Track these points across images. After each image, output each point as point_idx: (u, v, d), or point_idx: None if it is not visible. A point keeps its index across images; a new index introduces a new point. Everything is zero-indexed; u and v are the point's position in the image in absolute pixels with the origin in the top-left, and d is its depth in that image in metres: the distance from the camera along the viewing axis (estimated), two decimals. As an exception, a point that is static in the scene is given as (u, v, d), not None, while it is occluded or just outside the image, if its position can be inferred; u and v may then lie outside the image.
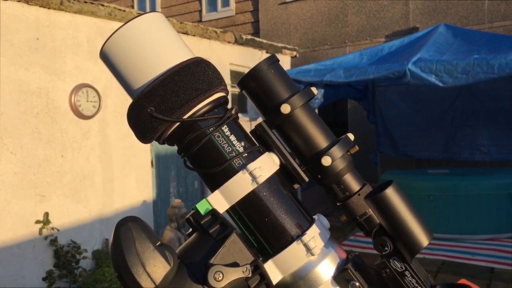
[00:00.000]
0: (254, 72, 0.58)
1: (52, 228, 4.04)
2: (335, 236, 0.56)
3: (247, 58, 6.51)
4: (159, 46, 0.53)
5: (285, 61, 7.41)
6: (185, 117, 0.52)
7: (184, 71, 0.52)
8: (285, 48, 7.43)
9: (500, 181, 5.50)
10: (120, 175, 4.72)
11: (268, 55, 6.97)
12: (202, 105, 0.52)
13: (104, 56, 0.54)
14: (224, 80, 0.56)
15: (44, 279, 3.96)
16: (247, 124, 5.96)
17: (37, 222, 3.96)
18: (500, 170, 6.18)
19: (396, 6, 7.63)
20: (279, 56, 7.02)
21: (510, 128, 6.24)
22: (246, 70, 6.56)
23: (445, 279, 4.08)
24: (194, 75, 0.52)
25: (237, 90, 6.03)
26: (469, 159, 6.71)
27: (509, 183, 5.44)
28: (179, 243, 3.89)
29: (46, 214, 4.02)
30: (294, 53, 7.67)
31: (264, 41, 7.03)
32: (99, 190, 4.50)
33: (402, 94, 7.00)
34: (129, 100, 0.53)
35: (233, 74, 6.36)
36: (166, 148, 5.12)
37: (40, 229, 3.97)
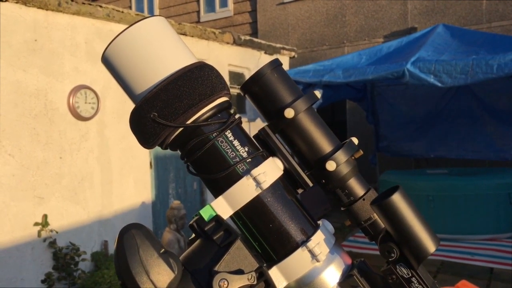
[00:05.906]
0: (257, 76, 0.57)
1: (51, 230, 4.03)
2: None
3: (246, 59, 6.51)
4: (162, 50, 0.53)
5: (283, 62, 7.41)
6: (189, 122, 0.51)
7: (187, 76, 0.51)
8: (283, 48, 7.43)
9: (499, 181, 5.51)
10: (118, 176, 4.70)
11: (266, 55, 7.00)
12: (205, 110, 0.52)
13: (106, 61, 0.54)
14: (227, 84, 0.56)
15: (43, 281, 3.95)
16: (246, 125, 5.95)
17: (36, 224, 3.95)
18: (499, 170, 6.17)
19: (394, 6, 7.63)
20: (277, 56, 7.02)
21: (506, 128, 6.24)
22: (244, 71, 6.56)
23: (444, 279, 4.08)
24: (197, 80, 0.51)
25: (235, 90, 6.02)
26: (463, 157, 6.70)
27: (508, 183, 5.44)
28: (178, 245, 3.88)
29: (45, 216, 4.01)
30: (293, 53, 7.67)
31: (263, 41, 7.02)
32: (98, 191, 4.49)
33: (401, 94, 7.00)
34: (127, 101, 0.52)
35: (232, 75, 6.35)
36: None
37: (39, 231, 3.96)
